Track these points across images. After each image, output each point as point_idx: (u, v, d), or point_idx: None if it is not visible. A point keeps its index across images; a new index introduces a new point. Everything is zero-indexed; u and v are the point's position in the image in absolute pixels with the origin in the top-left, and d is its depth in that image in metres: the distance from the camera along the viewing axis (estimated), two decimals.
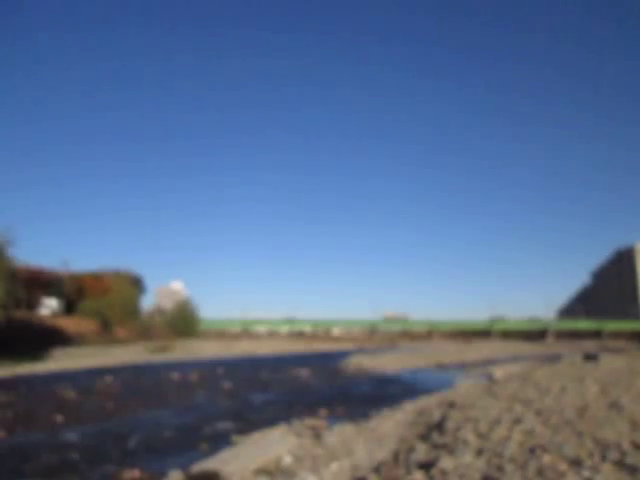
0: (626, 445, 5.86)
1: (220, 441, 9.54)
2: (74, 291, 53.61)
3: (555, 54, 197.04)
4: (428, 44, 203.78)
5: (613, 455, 5.44)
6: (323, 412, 12.91)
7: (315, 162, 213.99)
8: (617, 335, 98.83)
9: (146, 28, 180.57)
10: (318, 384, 21.02)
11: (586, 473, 4.94)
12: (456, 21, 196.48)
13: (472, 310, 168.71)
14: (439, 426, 8.41)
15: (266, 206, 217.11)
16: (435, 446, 6.80)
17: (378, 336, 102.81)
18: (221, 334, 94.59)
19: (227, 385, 19.78)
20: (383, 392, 18.11)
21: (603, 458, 5.39)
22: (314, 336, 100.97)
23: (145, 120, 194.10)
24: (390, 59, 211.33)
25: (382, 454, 7.79)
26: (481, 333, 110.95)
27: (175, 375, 23.50)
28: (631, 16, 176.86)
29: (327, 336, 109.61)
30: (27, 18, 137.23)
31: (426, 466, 5.89)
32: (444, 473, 5.35)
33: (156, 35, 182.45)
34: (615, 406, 8.96)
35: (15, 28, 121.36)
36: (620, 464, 5.19)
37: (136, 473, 7.43)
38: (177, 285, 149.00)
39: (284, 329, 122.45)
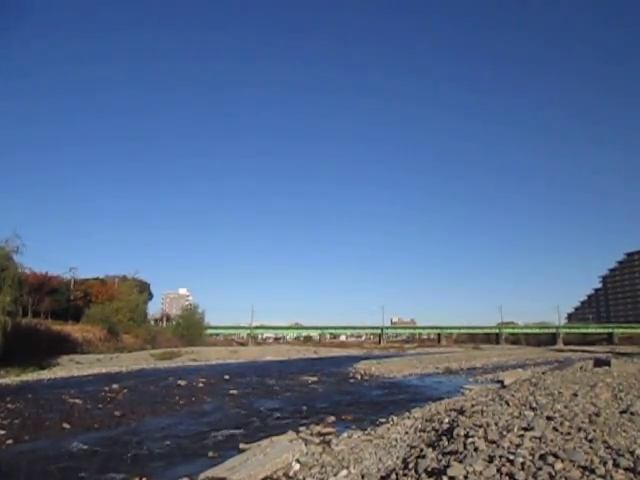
0: (639, 451, 5.75)
1: (228, 448, 9.49)
2: (80, 297, 53.76)
3: (571, 60, 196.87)
4: (431, 48, 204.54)
5: (626, 462, 5.33)
6: (331, 419, 12.83)
7: (322, 168, 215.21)
8: (628, 339, 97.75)
9: (146, 29, 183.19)
10: (326, 390, 20.91)
11: None
12: (458, 24, 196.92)
13: (481, 315, 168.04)
14: (448, 433, 8.31)
15: (273, 214, 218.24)
16: (444, 453, 6.71)
17: (386, 341, 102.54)
18: (228, 340, 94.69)
19: (234, 391, 19.73)
20: (391, 398, 17.97)
21: (616, 465, 5.29)
22: (321, 342, 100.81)
23: (150, 123, 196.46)
24: (391, 61, 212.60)
25: (391, 461, 7.72)
26: (490, 338, 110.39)
27: (182, 382, 23.48)
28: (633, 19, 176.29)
29: (334, 342, 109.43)
30: (28, 18, 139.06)
31: (436, 474, 5.81)
32: None
33: (156, 36, 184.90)
34: (627, 412, 8.83)
35: (15, 28, 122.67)
36: (633, 471, 5.09)
37: None
38: (184, 291, 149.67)
39: (291, 335, 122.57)
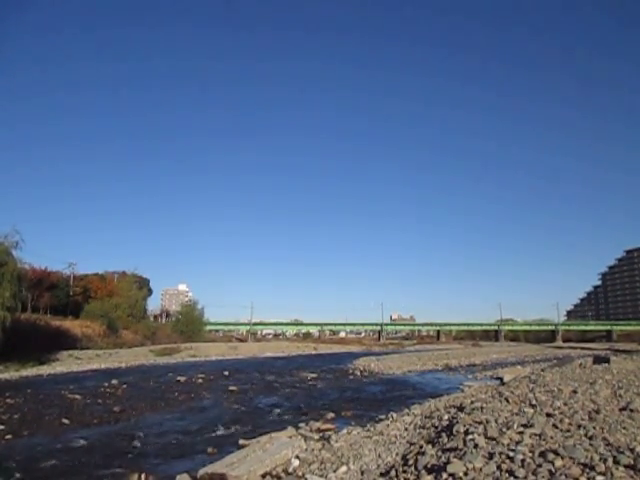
0: (639, 448, 5.73)
1: (227, 444, 9.47)
2: (79, 292, 53.69)
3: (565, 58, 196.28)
4: (430, 44, 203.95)
5: (626, 459, 5.31)
6: (331, 415, 12.83)
7: (321, 166, 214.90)
8: (627, 336, 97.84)
9: (147, 28, 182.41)
10: (325, 387, 20.91)
11: (599, 477, 4.84)
12: (458, 21, 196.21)
13: (480, 312, 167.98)
14: (448, 429, 8.29)
15: (273, 210, 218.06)
16: (444, 450, 6.69)
17: (385, 338, 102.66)
18: (227, 336, 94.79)
19: (233, 388, 19.72)
20: (391, 395, 17.98)
21: (616, 462, 5.27)
22: (321, 338, 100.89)
23: (148, 122, 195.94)
24: (391, 59, 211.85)
25: (391, 458, 7.70)
26: (489, 335, 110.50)
27: (181, 378, 23.49)
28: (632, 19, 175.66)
29: (334, 338, 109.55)
30: (27, 18, 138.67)
31: (435, 470, 5.80)
32: (454, 478, 5.26)
33: (156, 35, 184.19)
34: (627, 409, 8.83)
35: (15, 28, 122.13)
36: (633, 468, 5.07)
37: (143, 476, 7.39)
38: (183, 287, 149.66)
39: (290, 331, 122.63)
